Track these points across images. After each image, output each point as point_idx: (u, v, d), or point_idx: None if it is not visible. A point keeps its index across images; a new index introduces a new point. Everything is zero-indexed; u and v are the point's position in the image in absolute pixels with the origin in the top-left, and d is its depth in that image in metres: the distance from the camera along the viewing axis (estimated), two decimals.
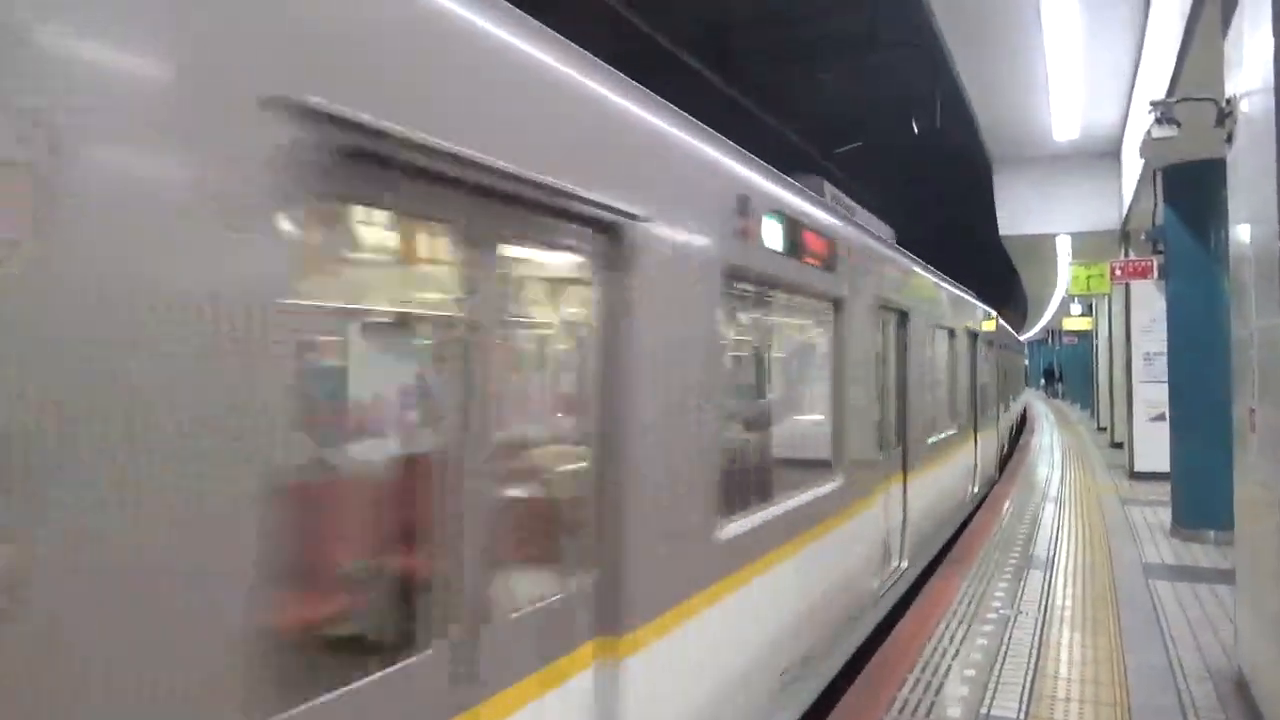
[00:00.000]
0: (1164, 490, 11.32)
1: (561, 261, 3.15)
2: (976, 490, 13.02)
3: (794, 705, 4.94)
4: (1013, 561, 8.93)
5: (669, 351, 3.46)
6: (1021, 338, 43.81)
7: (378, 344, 2.72)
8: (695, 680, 3.65)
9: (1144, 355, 14.41)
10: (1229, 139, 5.73)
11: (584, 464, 3.07)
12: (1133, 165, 11.74)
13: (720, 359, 4.05)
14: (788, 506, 4.90)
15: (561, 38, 2.98)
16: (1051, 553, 9.36)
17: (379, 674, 2.13)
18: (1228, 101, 5.69)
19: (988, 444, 14.87)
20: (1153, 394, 13.74)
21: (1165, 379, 11.42)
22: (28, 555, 1.41)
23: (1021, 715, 5.04)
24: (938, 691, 5.41)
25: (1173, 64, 7.31)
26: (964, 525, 11.33)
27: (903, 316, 8.17)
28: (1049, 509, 12.20)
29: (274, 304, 1.81)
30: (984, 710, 5.12)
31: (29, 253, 1.41)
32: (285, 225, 1.85)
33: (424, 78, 2.30)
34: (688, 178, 3.85)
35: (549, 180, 2.68)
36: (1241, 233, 5.30)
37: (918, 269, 9.30)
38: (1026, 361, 50.85)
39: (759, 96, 13.45)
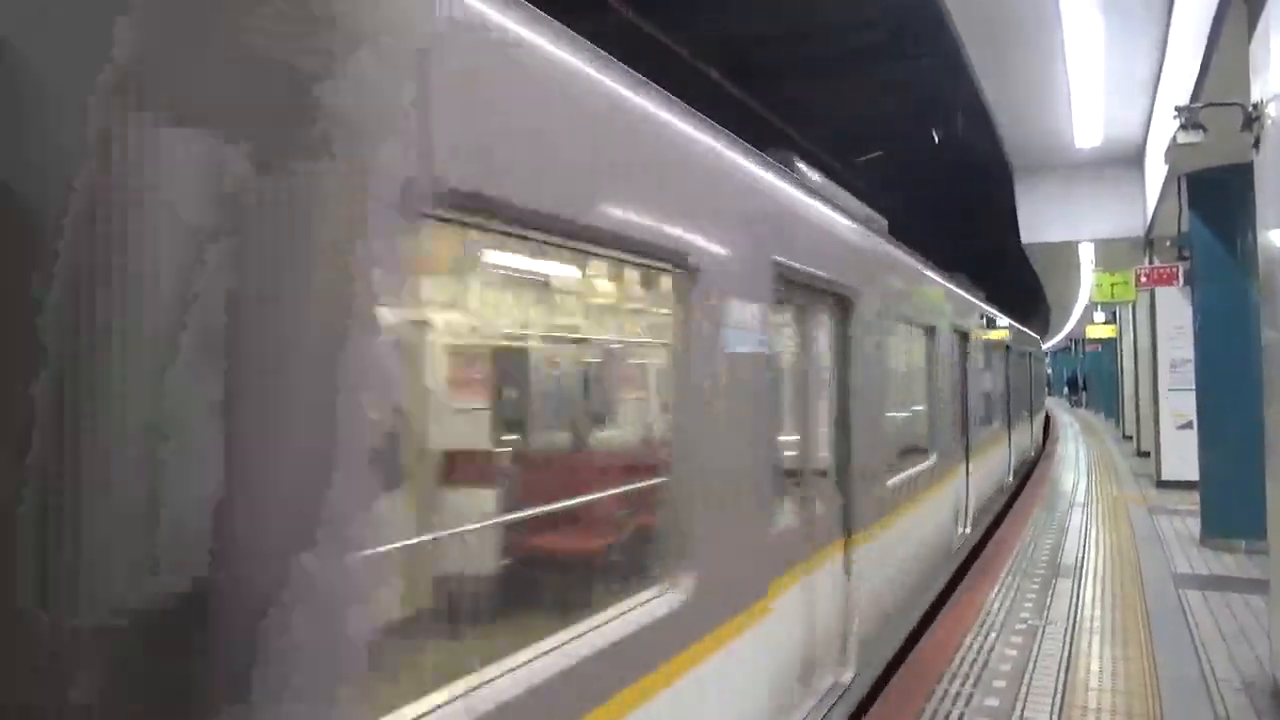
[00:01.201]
0: (1192, 499, 11.18)
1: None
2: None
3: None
4: (1040, 571, 8.85)
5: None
6: (1045, 345, 43.41)
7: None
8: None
9: (1170, 363, 14.25)
10: (1256, 143, 5.68)
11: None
12: (1156, 171, 11.66)
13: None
14: None
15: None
16: (1080, 562, 9.27)
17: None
18: (1254, 106, 5.65)
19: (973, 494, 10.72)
20: (1179, 402, 13.58)
21: (1192, 386, 11.29)
22: None
23: None
24: (967, 702, 5.36)
25: (1197, 69, 7.27)
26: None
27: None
28: (1076, 517, 12.08)
29: None
30: None
31: None
32: None
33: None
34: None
35: None
36: (1272, 237, 5.25)
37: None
38: (1049, 370, 50.44)
39: (780, 108, 13.48)
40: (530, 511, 2.80)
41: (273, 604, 1.65)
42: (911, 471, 7.29)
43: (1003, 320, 15.19)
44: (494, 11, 2.35)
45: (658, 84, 3.35)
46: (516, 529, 2.74)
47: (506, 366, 2.83)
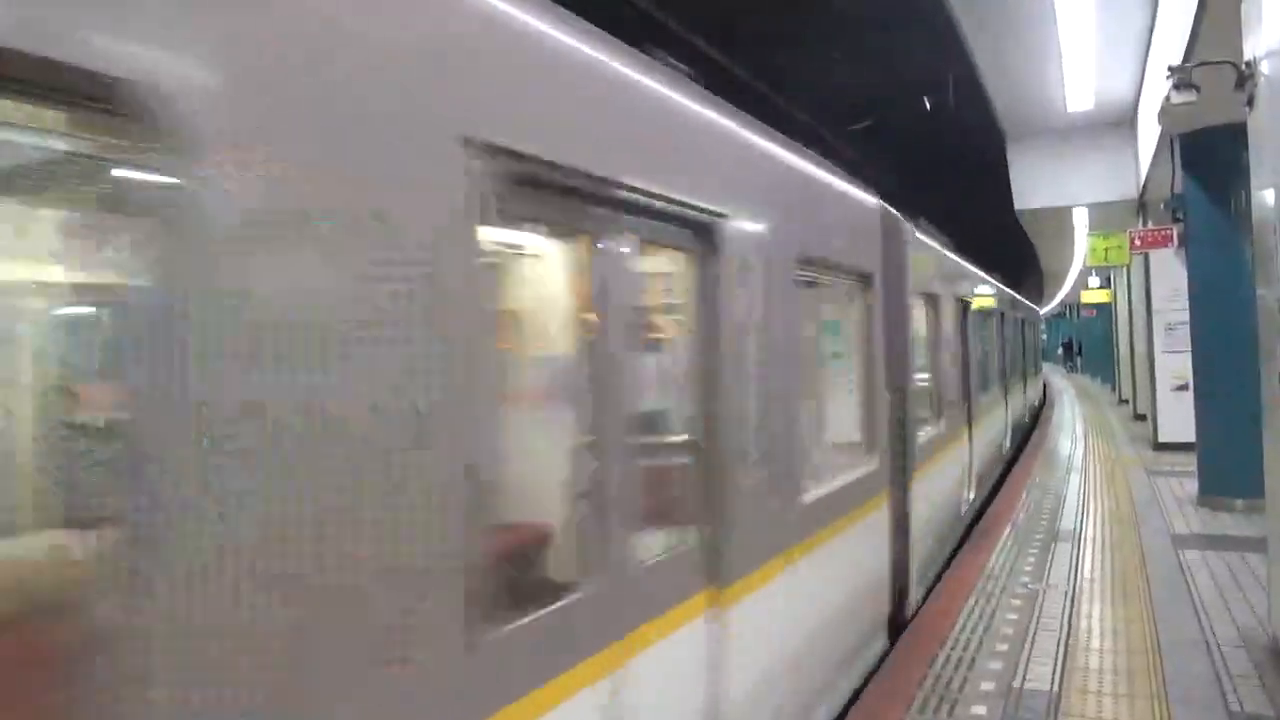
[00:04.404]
0: (1189, 461, 11.24)
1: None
2: None
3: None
4: (1039, 535, 8.90)
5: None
6: (1040, 311, 43.46)
7: None
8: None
9: (1165, 325, 14.27)
10: (1249, 102, 5.66)
11: None
12: (1149, 134, 11.61)
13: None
14: None
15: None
16: (1079, 525, 9.32)
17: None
18: (1247, 64, 5.62)
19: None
20: (1175, 364, 13.62)
21: (1187, 349, 11.31)
22: None
23: (1055, 687, 5.04)
24: (970, 667, 5.40)
25: (1189, 27, 7.22)
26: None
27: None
28: (1074, 482, 12.14)
29: None
30: (1017, 684, 5.11)
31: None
32: None
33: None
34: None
35: None
36: (1266, 196, 5.24)
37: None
38: (1045, 336, 50.59)
39: (768, 77, 13.37)
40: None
41: None
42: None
43: (1008, 292, 16.83)
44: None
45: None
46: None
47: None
